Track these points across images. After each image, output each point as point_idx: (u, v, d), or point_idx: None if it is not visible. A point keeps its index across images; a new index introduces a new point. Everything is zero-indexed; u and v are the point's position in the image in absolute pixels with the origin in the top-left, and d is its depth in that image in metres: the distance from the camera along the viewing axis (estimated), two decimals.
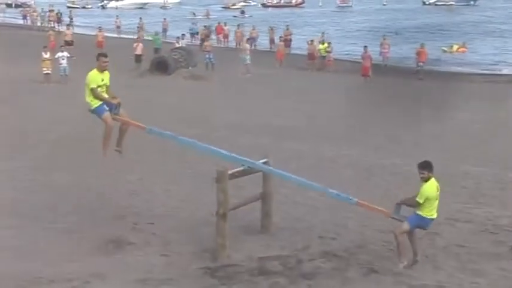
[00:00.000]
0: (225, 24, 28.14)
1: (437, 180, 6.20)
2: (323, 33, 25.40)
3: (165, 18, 32.06)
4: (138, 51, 21.46)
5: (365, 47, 21.65)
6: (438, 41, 28.44)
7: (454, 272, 6.22)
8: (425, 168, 6.03)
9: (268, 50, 25.96)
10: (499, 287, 5.85)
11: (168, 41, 25.91)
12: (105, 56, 7.05)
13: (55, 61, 19.24)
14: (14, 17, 41.99)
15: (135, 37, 24.82)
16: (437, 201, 6.10)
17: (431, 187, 5.99)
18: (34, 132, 11.99)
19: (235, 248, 6.69)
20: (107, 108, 6.80)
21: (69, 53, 20.09)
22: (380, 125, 13.71)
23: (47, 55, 19.45)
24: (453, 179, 9.44)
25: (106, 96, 6.83)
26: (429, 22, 38.62)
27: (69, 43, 24.46)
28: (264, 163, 6.79)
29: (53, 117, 13.29)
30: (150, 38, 24.61)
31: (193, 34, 27.85)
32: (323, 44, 23.19)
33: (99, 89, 6.75)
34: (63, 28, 31.06)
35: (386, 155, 11.28)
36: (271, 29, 26.96)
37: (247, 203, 7.01)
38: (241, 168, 6.69)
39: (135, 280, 6.05)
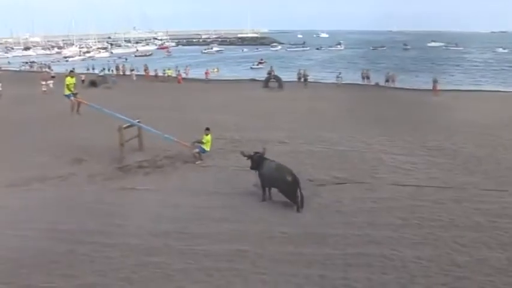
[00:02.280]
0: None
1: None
2: (176, 66, 42.85)
3: (93, 64, 51.14)
4: (83, 78, 34.85)
5: (178, 70, 39.70)
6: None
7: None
8: (207, 130, 12.91)
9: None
10: None
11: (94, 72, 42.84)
12: (73, 71, 14.29)
13: (48, 84, 30.81)
14: None
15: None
16: (210, 143, 13.00)
17: (208, 137, 12.90)
18: None
19: (128, 158, 13.21)
20: (72, 95, 13.25)
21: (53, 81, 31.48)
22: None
23: (43, 82, 30.98)
24: (213, 121, 17.17)
25: (73, 89, 13.42)
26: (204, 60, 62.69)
27: (53, 76, 35.72)
28: (138, 121, 13.56)
29: None
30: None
31: (108, 69, 45.43)
32: (169, 70, 40.92)
33: (71, 85, 13.29)
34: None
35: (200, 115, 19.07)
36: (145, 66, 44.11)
37: (132, 138, 13.68)
38: (128, 124, 13.32)
39: (88, 175, 12.15)
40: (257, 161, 10.33)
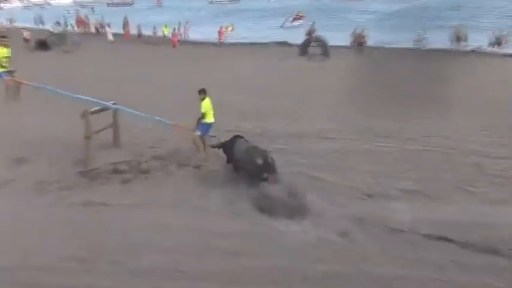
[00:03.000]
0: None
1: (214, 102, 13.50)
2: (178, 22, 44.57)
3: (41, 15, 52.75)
4: (26, 37, 35.98)
5: (174, 28, 41.44)
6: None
7: None
8: (201, 92, 13.14)
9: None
10: None
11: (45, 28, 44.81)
12: (5, 36, 13.61)
13: None
14: None
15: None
16: (212, 111, 13.18)
17: (207, 103, 13.10)
18: None
19: (97, 158, 13.22)
20: (6, 73, 13.23)
21: None
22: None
23: None
24: (225, 105, 16.98)
25: (7, 65, 13.34)
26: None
27: None
28: (113, 104, 13.70)
29: None
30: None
31: (66, 23, 47.29)
32: (165, 27, 43.05)
33: (3, 59, 13.08)
34: None
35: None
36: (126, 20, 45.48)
37: (103, 129, 13.77)
38: (98, 107, 13.47)
39: (35, 182, 12.11)
40: (230, 145, 11.74)
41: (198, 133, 13.29)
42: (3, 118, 16.25)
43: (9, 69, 13.57)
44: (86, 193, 11.66)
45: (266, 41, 39.59)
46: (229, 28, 45.75)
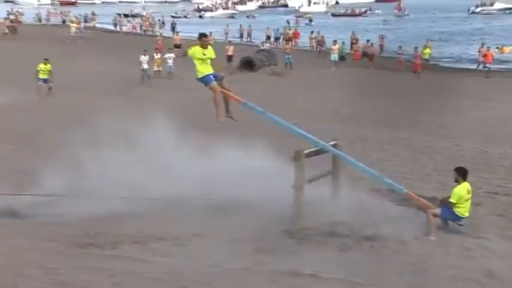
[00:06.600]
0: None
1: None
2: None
3: (249, 25, 61.55)
4: (230, 53, 39.08)
5: (415, 47, 42.12)
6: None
7: (493, 237, 12.29)
8: (458, 173, 12.46)
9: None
10: None
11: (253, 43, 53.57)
12: (206, 35, 14.40)
13: (163, 60, 35.45)
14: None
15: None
16: (468, 202, 12.43)
17: (462, 190, 12.34)
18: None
19: (309, 214, 13.20)
20: (213, 78, 13.78)
21: (175, 54, 38.81)
22: (428, 114, 24.71)
23: (157, 56, 38.45)
24: (491, 159, 16.95)
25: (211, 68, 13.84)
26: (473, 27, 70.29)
27: (177, 46, 45.32)
28: (333, 145, 13.72)
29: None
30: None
31: (277, 38, 55.14)
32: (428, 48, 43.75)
33: (201, 60, 13.69)
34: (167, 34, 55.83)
35: (435, 139, 20.29)
36: (381, 37, 50.63)
37: (320, 177, 13.84)
38: (315, 148, 13.50)
39: (229, 239, 12.44)
40: None
41: (437, 212, 12.73)
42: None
43: (216, 72, 13.92)
44: (292, 260, 11.68)
45: None
46: (507, 50, 44.50)
